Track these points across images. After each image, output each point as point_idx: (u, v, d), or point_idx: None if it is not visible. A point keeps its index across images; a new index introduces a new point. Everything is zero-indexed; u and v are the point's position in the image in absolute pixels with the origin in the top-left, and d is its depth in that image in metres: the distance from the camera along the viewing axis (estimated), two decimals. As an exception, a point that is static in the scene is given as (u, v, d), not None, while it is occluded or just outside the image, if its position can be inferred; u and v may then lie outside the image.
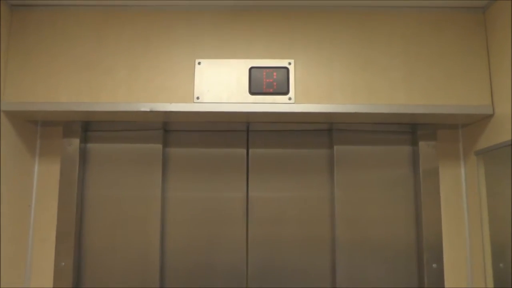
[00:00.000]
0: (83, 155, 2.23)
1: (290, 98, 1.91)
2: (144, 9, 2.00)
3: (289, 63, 1.94)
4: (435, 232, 2.12)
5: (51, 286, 2.11)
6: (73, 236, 2.12)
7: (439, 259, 2.10)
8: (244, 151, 2.24)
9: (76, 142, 2.18)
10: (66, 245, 2.11)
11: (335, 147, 2.21)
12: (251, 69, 1.94)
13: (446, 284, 2.10)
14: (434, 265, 2.09)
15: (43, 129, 2.23)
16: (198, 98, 1.91)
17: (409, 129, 2.23)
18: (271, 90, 1.91)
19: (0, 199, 1.90)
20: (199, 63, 1.95)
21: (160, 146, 2.21)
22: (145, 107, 1.91)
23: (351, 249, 2.16)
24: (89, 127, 2.24)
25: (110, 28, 1.99)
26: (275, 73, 1.93)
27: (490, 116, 1.93)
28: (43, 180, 2.18)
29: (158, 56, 1.96)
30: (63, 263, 2.10)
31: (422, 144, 2.18)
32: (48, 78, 1.95)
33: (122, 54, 1.97)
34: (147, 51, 1.97)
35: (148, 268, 2.14)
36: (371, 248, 2.17)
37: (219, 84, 1.93)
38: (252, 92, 1.92)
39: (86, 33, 1.99)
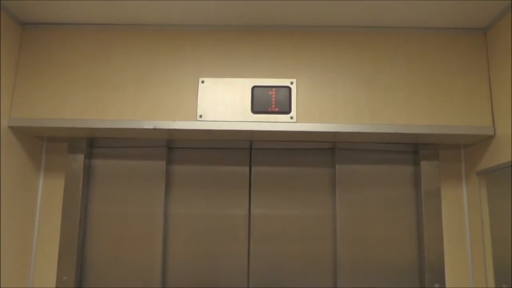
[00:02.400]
0: (88, 171, 2.26)
1: (292, 117, 1.93)
2: (150, 28, 2.04)
3: (291, 83, 1.96)
4: (437, 252, 2.11)
5: (53, 300, 2.12)
6: (75, 251, 2.13)
7: (441, 279, 2.09)
8: (247, 169, 2.25)
9: (81, 158, 2.21)
10: (68, 259, 2.13)
11: (337, 166, 2.22)
12: (253, 88, 1.96)
13: (449, 304, 2.09)
14: (437, 285, 2.08)
15: (48, 144, 2.26)
16: (201, 116, 1.94)
17: (412, 149, 2.24)
18: (273, 109, 1.93)
19: (5, 213, 1.92)
20: (202, 82, 1.97)
21: (163, 163, 2.23)
22: (149, 125, 1.93)
23: (352, 268, 2.15)
24: (94, 144, 2.26)
25: (116, 47, 2.03)
26: (277, 93, 1.95)
27: (492, 137, 1.93)
28: (48, 195, 2.20)
29: (163, 74, 1.99)
30: (65, 278, 2.11)
31: (424, 164, 2.18)
32: (56, 95, 1.99)
33: (128, 72, 2.00)
34: (152, 69, 2.00)
35: (150, 284, 2.14)
36: (372, 267, 2.16)
37: (222, 102, 1.95)
38: (255, 111, 1.94)
39: (93, 51, 2.03)
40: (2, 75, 1.91)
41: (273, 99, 1.94)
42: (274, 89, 1.95)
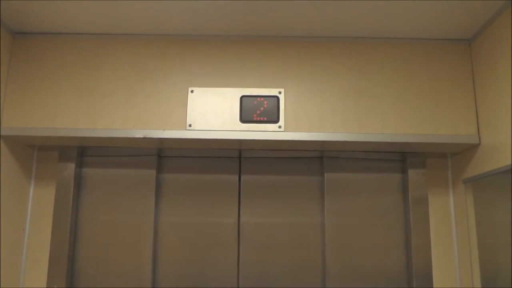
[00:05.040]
0: (78, 180, 2.26)
1: (280, 127, 1.95)
2: (140, 37, 2.06)
3: (280, 92, 1.98)
4: (424, 259, 2.13)
5: (43, 309, 2.12)
6: (65, 260, 2.13)
7: (428, 286, 2.11)
8: (236, 177, 2.27)
9: (71, 166, 2.21)
10: (58, 268, 2.13)
11: (325, 174, 2.24)
12: (242, 97, 1.98)
13: (436, 311, 2.11)
14: (424, 291, 2.11)
15: (39, 153, 2.26)
16: (190, 125, 1.95)
17: (399, 157, 2.26)
18: (261, 119, 1.95)
19: (-5, 222, 1.93)
20: (192, 91, 1.99)
21: (153, 171, 2.24)
22: (139, 133, 1.94)
23: (341, 275, 2.17)
24: (84, 152, 2.27)
25: (107, 57, 2.04)
26: (265, 102, 1.97)
27: (477, 145, 1.96)
28: (38, 204, 2.20)
29: (153, 84, 2.01)
30: (55, 286, 2.11)
31: (411, 172, 2.20)
32: (46, 104, 1.99)
33: (118, 81, 2.01)
34: (142, 79, 2.01)
35: (140, 292, 2.15)
36: (361, 275, 2.17)
37: (211, 112, 1.97)
38: (243, 120, 1.96)
39: (84, 60, 2.04)
40: (-8, 84, 1.92)
41: (262, 109, 1.96)
42: (262, 98, 1.97)
